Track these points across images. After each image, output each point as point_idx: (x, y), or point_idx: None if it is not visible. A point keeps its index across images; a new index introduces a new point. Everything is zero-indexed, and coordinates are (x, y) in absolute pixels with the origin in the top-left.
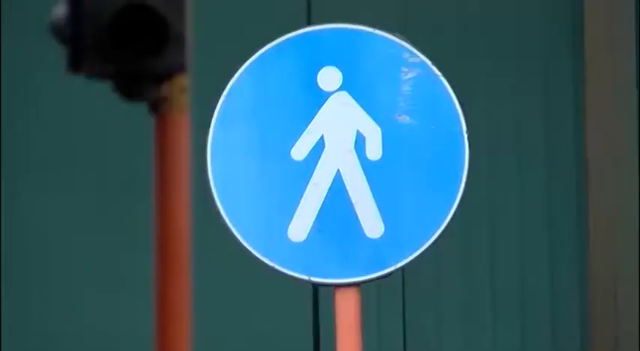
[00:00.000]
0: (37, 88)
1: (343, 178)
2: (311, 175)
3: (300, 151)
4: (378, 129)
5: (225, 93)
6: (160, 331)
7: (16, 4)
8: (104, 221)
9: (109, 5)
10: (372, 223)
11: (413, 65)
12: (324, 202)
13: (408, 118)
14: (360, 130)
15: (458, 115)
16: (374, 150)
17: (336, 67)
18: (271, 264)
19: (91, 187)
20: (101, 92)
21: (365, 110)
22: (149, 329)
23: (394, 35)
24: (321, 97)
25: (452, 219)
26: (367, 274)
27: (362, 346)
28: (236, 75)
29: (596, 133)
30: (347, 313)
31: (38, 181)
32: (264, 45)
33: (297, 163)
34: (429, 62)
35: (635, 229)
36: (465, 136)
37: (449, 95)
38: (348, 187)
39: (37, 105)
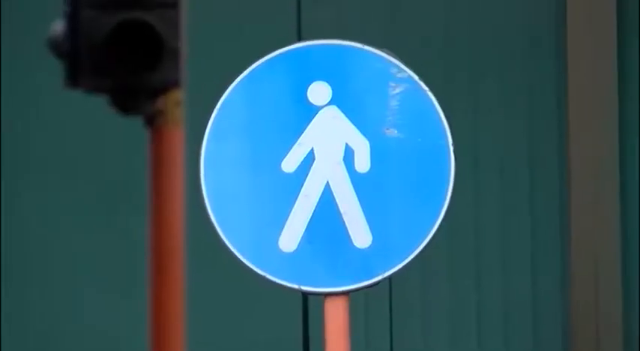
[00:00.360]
0: (38, 91)
1: (332, 189)
2: (301, 186)
3: (290, 163)
4: (367, 142)
5: (217, 107)
6: (155, 336)
7: (16, 4)
8: (103, 223)
9: (105, 21)
10: (360, 234)
11: (400, 80)
12: (313, 213)
13: (395, 132)
14: (349, 143)
15: (444, 128)
16: (362, 162)
17: (326, 82)
18: (262, 273)
19: (90, 190)
20: (99, 99)
21: (354, 124)
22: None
23: (382, 51)
24: (311, 111)
25: (438, 229)
26: (356, 283)
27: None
28: (228, 89)
29: (577, 144)
30: (336, 320)
31: (38, 183)
32: (256, 60)
33: (288, 175)
34: (416, 77)
35: (615, 238)
36: (451, 149)
37: (435, 109)
38: (337, 199)
39: (37, 109)
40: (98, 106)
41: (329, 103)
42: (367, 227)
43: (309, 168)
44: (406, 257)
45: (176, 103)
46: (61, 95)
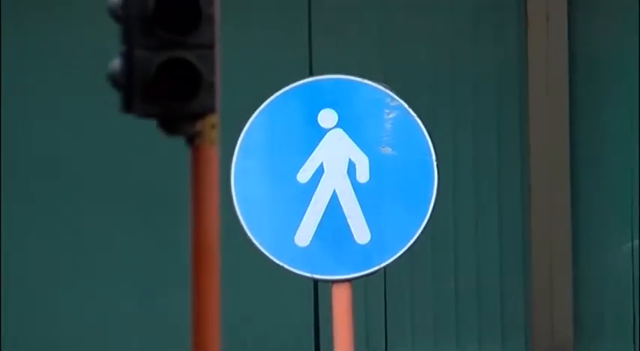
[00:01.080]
0: (103, 116)
1: (338, 196)
2: (313, 194)
3: (304, 175)
4: (366, 158)
5: (245, 129)
6: (195, 317)
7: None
8: (151, 224)
9: (154, 60)
10: (361, 232)
11: (393, 108)
12: (323, 215)
13: (389, 150)
14: (352, 159)
15: (428, 147)
16: (363, 175)
17: (333, 109)
18: (281, 264)
19: (142, 198)
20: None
21: (356, 143)
22: (186, 318)
23: (379, 84)
24: (321, 132)
25: (424, 229)
26: (358, 272)
27: (352, 328)
28: (254, 115)
29: (536, 156)
30: (341, 303)
31: (103, 192)
32: (276, 91)
33: (302, 185)
34: (406, 105)
35: (566, 234)
36: (434, 163)
37: (421, 131)
38: (342, 204)
39: (101, 132)
40: (148, 128)
41: (335, 126)
42: (367, 227)
43: (320, 179)
44: (398, 251)
45: (212, 126)
46: (119, 119)
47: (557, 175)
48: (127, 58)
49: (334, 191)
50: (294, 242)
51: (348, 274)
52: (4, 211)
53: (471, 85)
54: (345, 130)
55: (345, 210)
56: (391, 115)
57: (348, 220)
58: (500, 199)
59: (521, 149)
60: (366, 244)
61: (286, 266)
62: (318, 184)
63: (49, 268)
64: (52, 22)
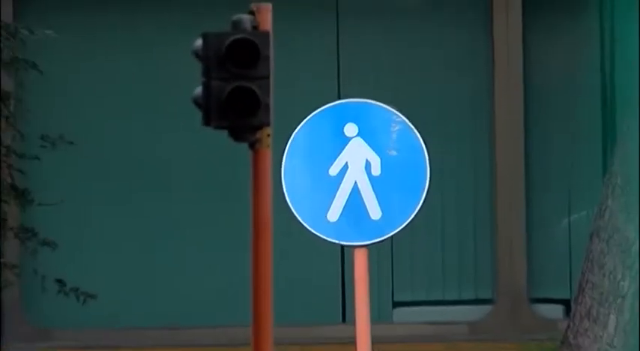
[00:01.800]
0: (184, 127)
1: (358, 185)
2: (340, 184)
3: (334, 170)
4: (379, 158)
5: (292, 137)
6: (254, 274)
7: None
8: (224, 210)
9: (225, 88)
10: (374, 211)
11: (398, 122)
12: (347, 199)
13: (395, 152)
14: (368, 159)
15: (423, 151)
16: (376, 170)
17: (355, 123)
18: (317, 234)
19: (217, 190)
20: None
21: (371, 147)
22: (248, 274)
23: (388, 106)
24: (346, 140)
25: (420, 208)
26: (372, 239)
27: (368, 281)
28: (298, 127)
29: (501, 158)
30: (360, 262)
31: (188, 189)
32: (314, 110)
33: (332, 177)
34: (407, 121)
35: (521, 214)
36: (427, 162)
37: (418, 139)
38: (361, 191)
39: (184, 138)
40: (221, 137)
41: (356, 136)
42: (378, 207)
43: (345, 173)
44: (402, 224)
45: (267, 135)
46: (201, 130)
47: (515, 172)
48: (206, 86)
49: (355, 182)
50: (326, 218)
51: (366, 241)
52: (132, 198)
53: (453, 106)
54: (363, 139)
55: (363, 195)
56: (396, 128)
57: (365, 203)
58: (475, 188)
59: (490, 150)
60: (378, 220)
61: (321, 236)
62: (344, 177)
63: (157, 239)
64: (156, 63)
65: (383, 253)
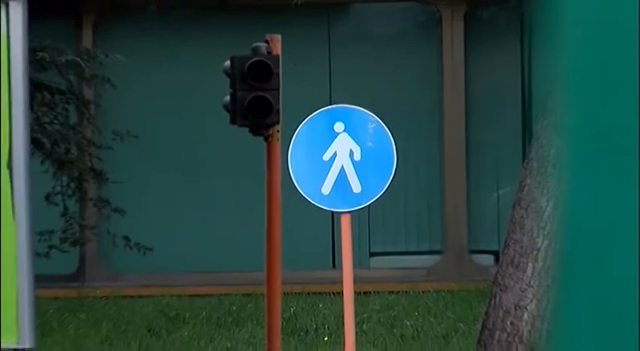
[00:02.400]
0: (219, 126)
1: (344, 168)
2: (331, 166)
3: (326, 157)
4: (359, 148)
5: (296, 133)
6: (268, 233)
7: None
8: (246, 188)
9: (246, 97)
10: (356, 186)
11: (373, 122)
12: (336, 178)
13: (371, 144)
14: (352, 149)
15: (391, 143)
16: (357, 156)
17: (342, 122)
18: (315, 203)
19: (241, 171)
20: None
21: (354, 140)
22: (262, 232)
23: (367, 110)
24: (335, 134)
25: (389, 185)
26: (354, 207)
27: (351, 238)
28: (301, 124)
29: (448, 148)
30: (346, 224)
31: (224, 172)
32: (311, 113)
33: (325, 161)
34: (380, 121)
35: (462, 190)
36: (394, 152)
37: (388, 134)
38: (346, 172)
39: (220, 133)
40: (243, 132)
41: (343, 131)
42: (359, 183)
43: (335, 159)
44: (375, 196)
45: (277, 131)
46: (230, 127)
47: (458, 158)
48: (233, 96)
49: (342, 165)
50: (321, 192)
51: (349, 208)
52: (181, 177)
53: (413, 110)
54: (348, 133)
55: (347, 175)
56: (372, 126)
57: (349, 180)
58: (429, 171)
59: (440, 142)
60: (359, 193)
61: (317, 204)
62: (334, 162)
63: (199, 206)
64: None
65: (362, 217)
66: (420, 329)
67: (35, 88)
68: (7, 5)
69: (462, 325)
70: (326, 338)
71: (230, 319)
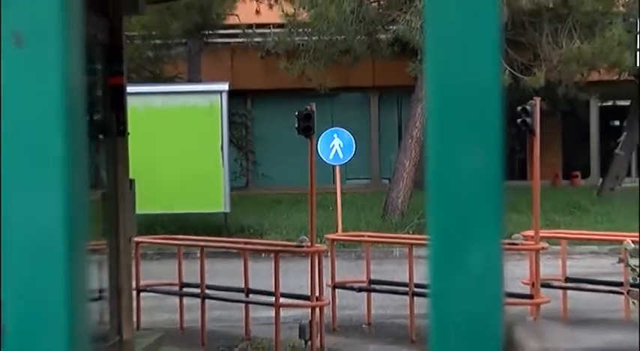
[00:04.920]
0: (285, 129)
1: (337, 150)
2: (332, 149)
3: (330, 145)
4: (342, 143)
5: (321, 137)
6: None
7: None
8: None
9: (301, 125)
10: (341, 156)
11: (347, 134)
12: (334, 153)
13: (345, 141)
14: (339, 144)
15: (352, 141)
16: (341, 145)
17: (337, 134)
18: (327, 161)
19: (297, 160)
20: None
21: (340, 140)
22: None
23: (344, 129)
24: (333, 138)
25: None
26: (340, 163)
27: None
28: (322, 135)
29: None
30: (338, 171)
31: (282, 165)
32: (325, 130)
33: (330, 148)
34: (350, 135)
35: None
36: (354, 145)
37: (353, 139)
38: (337, 151)
39: (284, 138)
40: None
41: (337, 138)
42: (342, 155)
43: (333, 147)
44: (347, 160)
45: (313, 134)
46: (294, 134)
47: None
48: (297, 127)
49: (336, 149)
50: (329, 158)
51: (339, 163)
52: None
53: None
54: (339, 138)
55: (338, 152)
56: (346, 136)
57: (339, 154)
58: (369, 156)
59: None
60: (342, 159)
61: (328, 162)
62: (333, 147)
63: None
64: None
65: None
66: None
67: None
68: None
69: None
70: None
71: None
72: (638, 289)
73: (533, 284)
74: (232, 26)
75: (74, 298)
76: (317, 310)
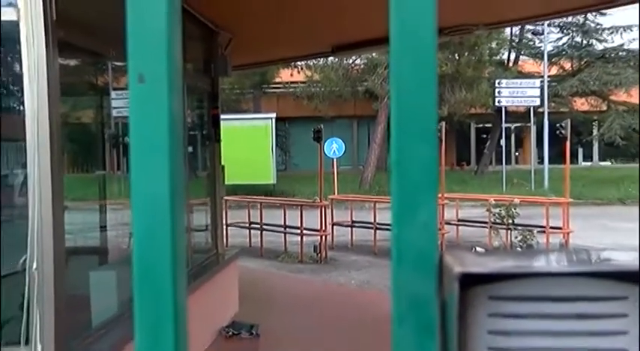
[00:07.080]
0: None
1: (334, 149)
2: (332, 145)
3: (331, 145)
4: (337, 145)
5: (326, 141)
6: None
7: None
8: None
9: (316, 134)
10: (338, 152)
11: (339, 141)
12: (334, 149)
13: (339, 143)
14: (337, 145)
15: (342, 145)
16: (337, 146)
17: (333, 140)
18: (329, 155)
19: (312, 151)
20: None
21: (336, 144)
22: None
23: (338, 138)
24: (332, 142)
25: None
26: (337, 156)
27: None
28: (327, 140)
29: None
30: (335, 164)
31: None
32: (330, 137)
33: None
34: (342, 141)
35: None
36: (344, 146)
37: (342, 143)
38: (334, 150)
39: (305, 140)
40: (310, 139)
41: (334, 142)
42: (337, 152)
43: (332, 145)
44: (341, 153)
45: (321, 139)
46: (311, 141)
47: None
48: (314, 132)
49: (333, 149)
50: (330, 152)
51: (335, 156)
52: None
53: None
54: (335, 142)
55: (335, 151)
56: (339, 141)
57: (336, 152)
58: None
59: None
60: (337, 150)
61: (329, 156)
62: (332, 145)
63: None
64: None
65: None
66: None
67: None
68: None
69: None
70: None
71: None
72: (496, 226)
73: (440, 223)
74: (278, 83)
75: (175, 233)
76: (323, 237)
